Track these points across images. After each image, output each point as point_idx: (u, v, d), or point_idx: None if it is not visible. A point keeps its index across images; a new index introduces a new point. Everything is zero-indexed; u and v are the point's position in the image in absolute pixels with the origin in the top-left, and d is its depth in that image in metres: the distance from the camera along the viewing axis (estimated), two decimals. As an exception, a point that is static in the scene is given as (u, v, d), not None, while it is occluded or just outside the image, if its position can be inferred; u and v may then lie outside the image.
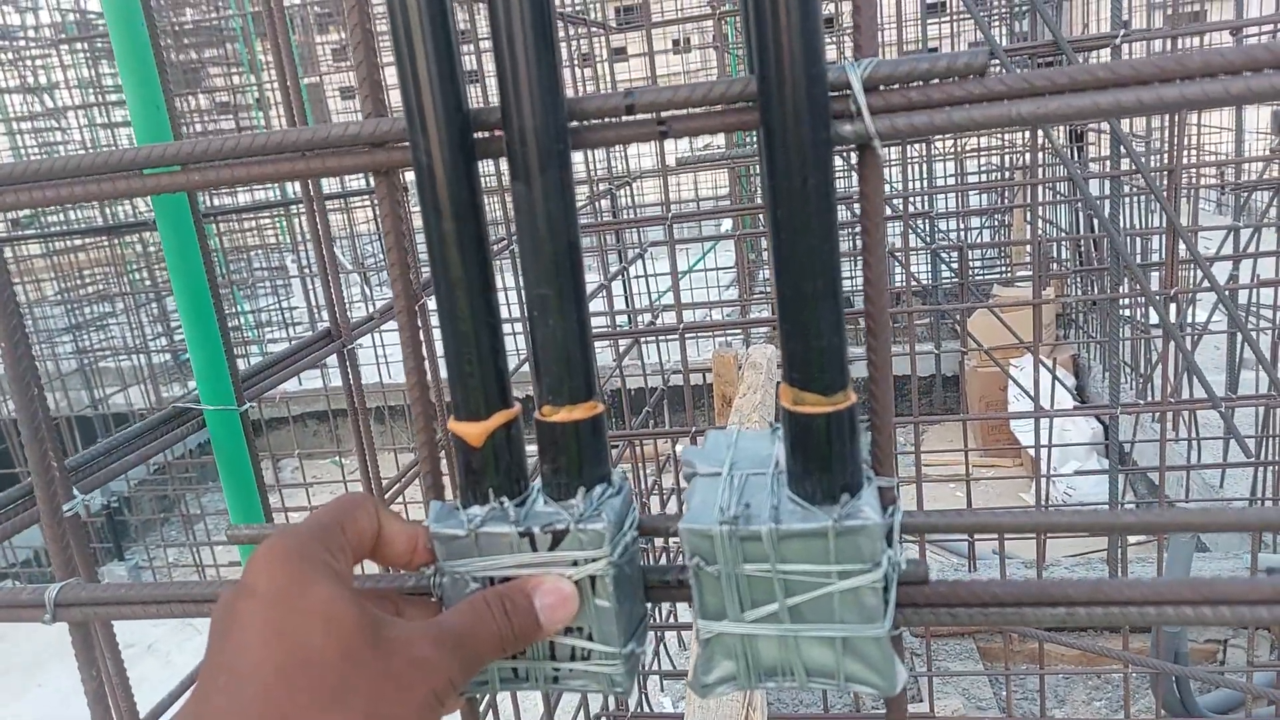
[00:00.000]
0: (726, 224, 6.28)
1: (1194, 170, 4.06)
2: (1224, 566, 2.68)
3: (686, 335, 1.83)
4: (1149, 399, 3.21)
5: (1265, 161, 4.06)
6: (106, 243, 5.38)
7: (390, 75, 0.41)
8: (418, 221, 0.43)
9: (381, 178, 0.41)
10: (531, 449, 0.42)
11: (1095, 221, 4.02)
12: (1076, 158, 4.13)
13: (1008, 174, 5.77)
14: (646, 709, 2.28)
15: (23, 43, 5.87)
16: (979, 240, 5.88)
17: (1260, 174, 4.03)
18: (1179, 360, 2.74)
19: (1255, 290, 3.02)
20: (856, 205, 0.37)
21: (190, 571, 4.34)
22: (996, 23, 5.28)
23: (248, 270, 6.79)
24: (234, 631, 0.33)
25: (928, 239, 3.76)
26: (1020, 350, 3.50)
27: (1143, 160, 2.72)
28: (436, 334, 0.43)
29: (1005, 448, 4.47)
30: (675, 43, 9.56)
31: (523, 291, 0.39)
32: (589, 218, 2.51)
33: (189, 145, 0.41)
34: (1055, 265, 4.74)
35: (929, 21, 5.44)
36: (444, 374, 0.40)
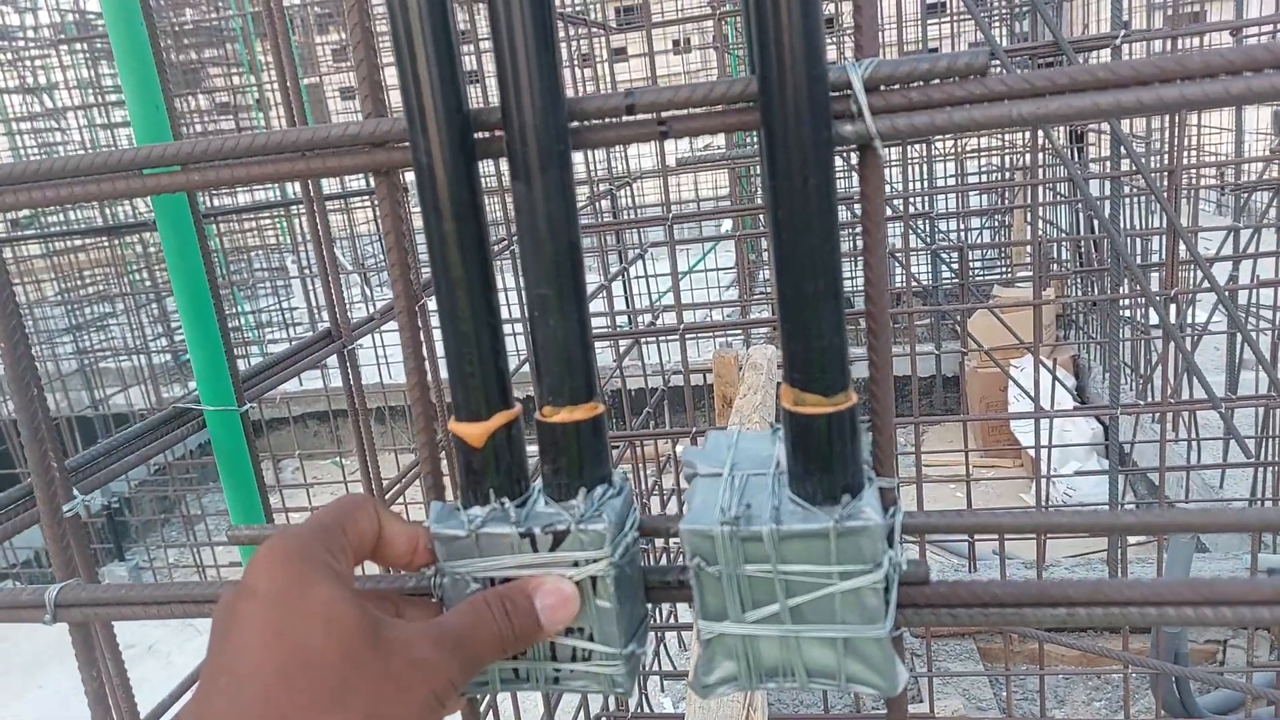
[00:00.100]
0: (727, 224, 6.28)
1: (1194, 171, 4.06)
2: (1224, 567, 2.68)
3: (687, 336, 1.83)
4: (1149, 399, 3.21)
5: (1265, 162, 4.06)
6: (106, 243, 5.39)
7: (390, 75, 0.41)
8: (418, 222, 0.43)
9: (382, 178, 0.41)
10: (532, 450, 0.42)
11: (1095, 222, 4.02)
12: (1077, 158, 4.13)
13: (1008, 174, 5.77)
14: (647, 709, 2.28)
15: (22, 43, 5.87)
16: (979, 241, 5.88)
17: (1260, 174, 4.03)
18: (1179, 361, 2.74)
19: (1255, 291, 3.02)
20: (857, 206, 0.37)
21: (191, 572, 4.34)
22: (997, 23, 5.28)
23: (248, 271, 6.79)
24: (234, 632, 0.33)
25: (928, 239, 3.76)
26: (1020, 351, 3.50)
27: (1143, 161, 2.72)
28: (437, 334, 0.43)
29: (1005, 448, 4.47)
30: (675, 43, 9.56)
31: (523, 292, 0.39)
32: (589, 218, 2.51)
33: (189, 145, 0.41)
34: (1055, 266, 4.74)
35: (929, 22, 5.43)
36: (444, 374, 0.40)
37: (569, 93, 0.37)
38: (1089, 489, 3.74)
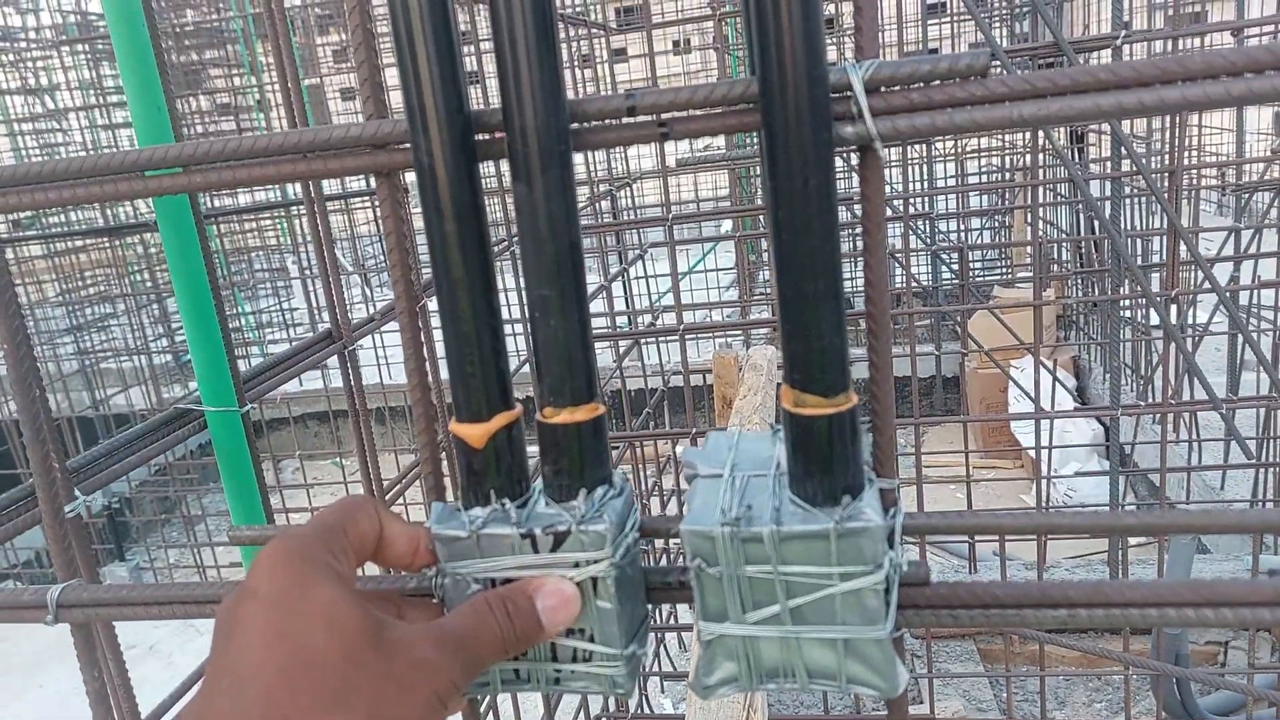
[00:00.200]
0: (727, 225, 6.28)
1: (1195, 171, 4.06)
2: (1224, 568, 2.68)
3: (687, 336, 1.83)
4: (1150, 400, 3.21)
5: (1266, 163, 4.06)
6: (108, 244, 5.39)
7: (391, 76, 0.41)
8: (419, 222, 0.43)
9: (383, 179, 0.41)
10: (532, 450, 0.42)
11: (1096, 223, 4.02)
12: (1077, 159, 4.13)
13: (1008, 175, 5.77)
14: (647, 710, 2.28)
15: (24, 44, 5.88)
16: (979, 241, 5.89)
17: (1261, 175, 4.03)
18: (1180, 362, 2.74)
19: (1256, 291, 3.02)
20: (857, 206, 0.37)
21: (191, 572, 4.34)
22: (997, 24, 5.28)
23: (249, 271, 6.80)
24: (237, 633, 0.33)
25: (928, 240, 3.77)
26: (1021, 351, 3.50)
27: (1144, 161, 2.72)
28: (438, 335, 0.43)
29: (1006, 449, 4.47)
30: (675, 44, 9.57)
31: (524, 292, 0.39)
32: (589, 219, 2.51)
33: (190, 147, 0.41)
34: (1056, 266, 4.74)
35: (929, 22, 5.44)
36: (445, 375, 0.40)
37: (569, 94, 0.37)
38: (1089, 490, 3.74)
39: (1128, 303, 3.53)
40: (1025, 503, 4.10)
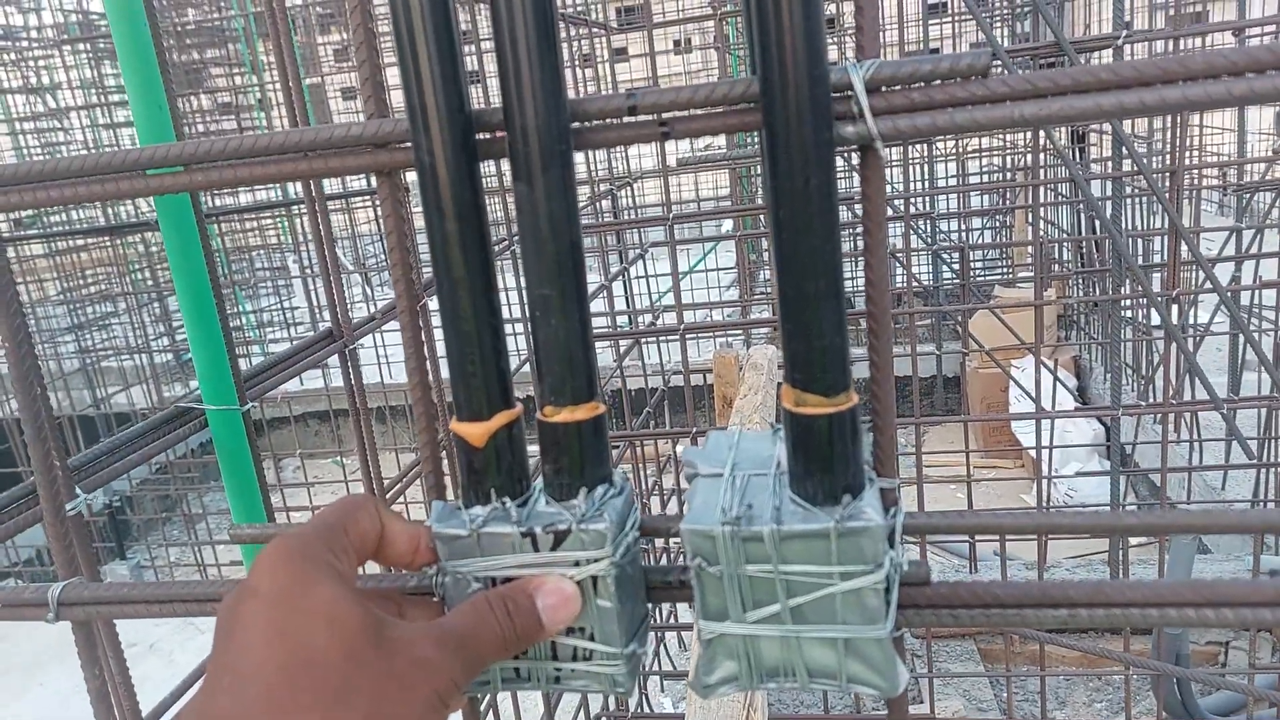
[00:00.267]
0: (727, 225, 6.28)
1: (1196, 171, 4.06)
2: (1225, 569, 2.67)
3: (687, 336, 1.83)
4: (1150, 400, 3.21)
5: (1267, 163, 4.05)
6: (109, 242, 5.39)
7: (392, 76, 0.41)
8: (419, 221, 0.43)
9: (384, 178, 0.41)
10: (533, 449, 0.42)
11: (1097, 222, 4.01)
12: (1078, 159, 4.13)
13: (1009, 175, 5.77)
14: (647, 710, 2.28)
15: (25, 43, 5.88)
16: (980, 241, 5.88)
17: (1262, 175, 4.03)
18: (1181, 362, 2.74)
19: (1257, 291, 3.02)
20: (857, 206, 0.37)
21: (192, 571, 4.35)
22: (998, 24, 5.28)
23: (250, 270, 6.80)
24: (238, 632, 0.34)
25: (929, 240, 3.76)
26: (1022, 351, 3.49)
27: (1145, 161, 2.72)
28: (438, 334, 0.43)
29: (1006, 449, 4.47)
30: (676, 43, 9.56)
31: (524, 292, 0.39)
32: (590, 218, 2.51)
33: (192, 146, 0.41)
34: (1057, 266, 4.74)
35: (930, 22, 5.43)
36: (446, 374, 0.40)
37: (569, 93, 0.37)
38: (1090, 490, 3.74)
39: (1129, 303, 3.52)
40: (1026, 503, 4.10)
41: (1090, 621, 0.38)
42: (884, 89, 0.35)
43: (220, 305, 1.17)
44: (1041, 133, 2.00)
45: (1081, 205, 4.17)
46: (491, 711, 1.54)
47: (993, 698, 2.64)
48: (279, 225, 7.17)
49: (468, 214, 0.38)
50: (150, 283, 5.51)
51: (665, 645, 2.61)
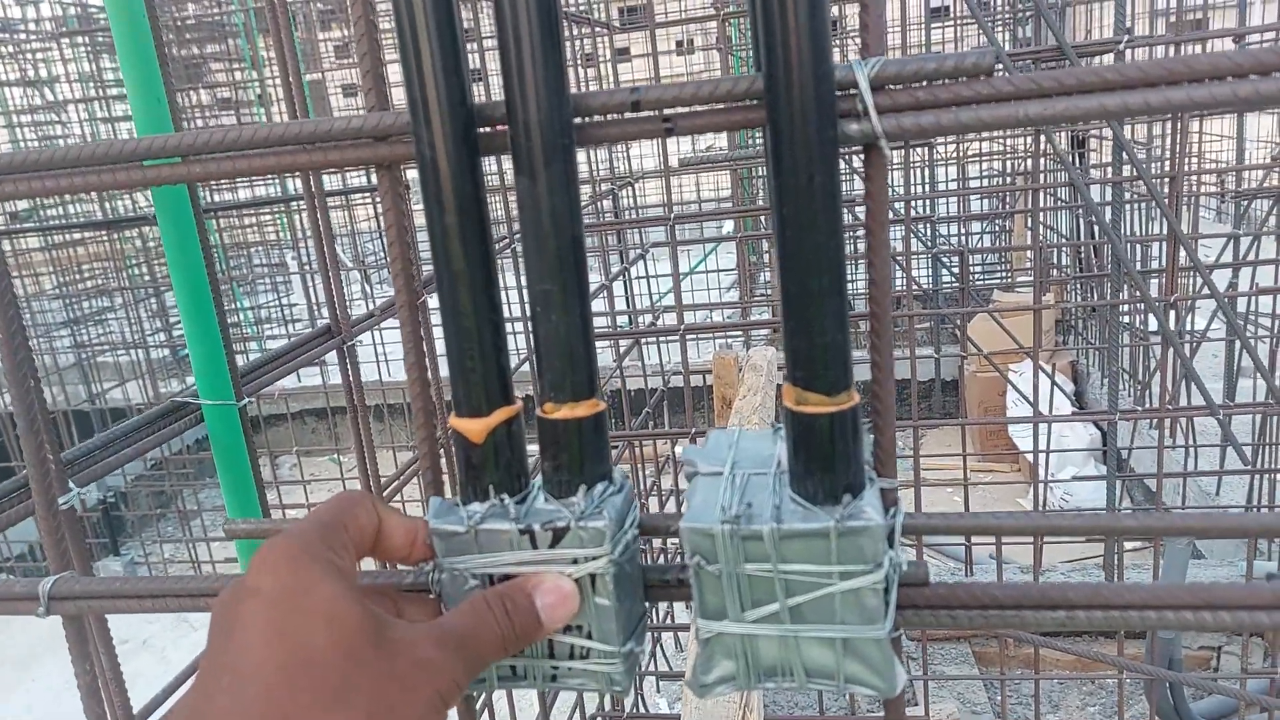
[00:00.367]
0: (728, 225, 6.28)
1: (1195, 177, 4.07)
2: (1219, 574, 2.68)
3: (687, 336, 1.83)
4: (1147, 405, 3.21)
5: (1265, 170, 4.06)
6: (106, 237, 5.38)
7: (394, 71, 0.41)
8: (419, 219, 0.43)
9: (384, 171, 0.41)
10: (532, 447, 0.42)
11: (1096, 227, 4.02)
12: (1078, 163, 4.13)
13: (1009, 179, 5.78)
14: (642, 710, 2.28)
15: (23, 36, 5.86)
16: (980, 245, 5.89)
17: (1260, 182, 4.04)
18: (1178, 367, 2.74)
19: (1254, 298, 3.02)
20: (858, 208, 0.37)
21: (186, 567, 4.34)
22: (1000, 27, 5.29)
23: (248, 266, 6.79)
24: (237, 631, 0.33)
25: (929, 243, 3.77)
26: (1020, 355, 3.50)
27: (1144, 167, 2.72)
28: (437, 331, 0.43)
29: (1003, 453, 4.47)
30: (679, 44, 9.57)
31: (524, 289, 0.39)
32: (591, 218, 2.50)
33: (190, 137, 0.41)
34: (1056, 271, 4.75)
35: (932, 26, 5.44)
36: (444, 371, 0.40)
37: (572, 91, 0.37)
38: (1086, 494, 3.74)
39: (1127, 308, 3.53)
40: (1022, 506, 4.10)
41: (1088, 623, 0.38)
42: (888, 87, 0.35)
43: (218, 301, 1.16)
44: (1042, 137, 2.00)
45: (1081, 210, 4.18)
46: (487, 710, 1.53)
47: (987, 701, 2.64)
48: (278, 221, 7.16)
49: (468, 207, 0.37)
50: (147, 278, 5.49)
51: (661, 646, 2.61)
